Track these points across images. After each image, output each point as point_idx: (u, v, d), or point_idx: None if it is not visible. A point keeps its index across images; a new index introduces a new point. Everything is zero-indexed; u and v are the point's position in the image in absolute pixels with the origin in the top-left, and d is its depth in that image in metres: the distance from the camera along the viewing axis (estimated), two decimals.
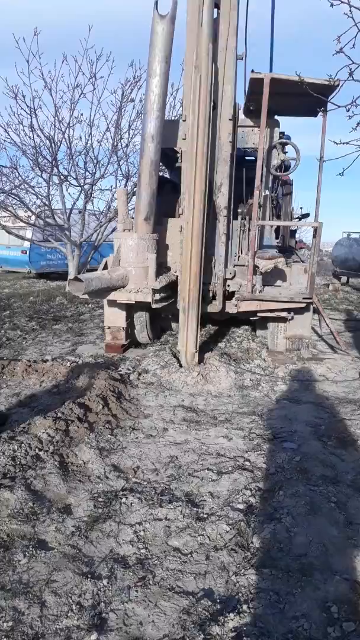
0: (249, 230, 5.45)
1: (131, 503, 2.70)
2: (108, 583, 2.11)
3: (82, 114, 10.43)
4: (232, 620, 1.90)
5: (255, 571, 2.17)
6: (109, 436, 3.53)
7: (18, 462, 2.99)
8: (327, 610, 1.97)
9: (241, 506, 2.67)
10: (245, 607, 1.97)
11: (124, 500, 2.73)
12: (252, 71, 4.76)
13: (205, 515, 2.60)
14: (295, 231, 8.65)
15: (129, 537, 2.43)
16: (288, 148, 5.79)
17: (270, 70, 6.19)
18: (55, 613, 1.94)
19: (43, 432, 3.31)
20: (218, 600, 2.02)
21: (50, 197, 11.17)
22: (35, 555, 2.25)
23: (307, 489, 2.81)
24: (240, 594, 2.05)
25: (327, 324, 6.20)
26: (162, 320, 6.81)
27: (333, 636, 1.84)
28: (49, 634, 1.84)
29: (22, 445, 3.14)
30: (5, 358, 5.34)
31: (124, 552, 2.33)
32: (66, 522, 2.52)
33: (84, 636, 1.83)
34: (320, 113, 5.28)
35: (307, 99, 4.54)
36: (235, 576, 2.16)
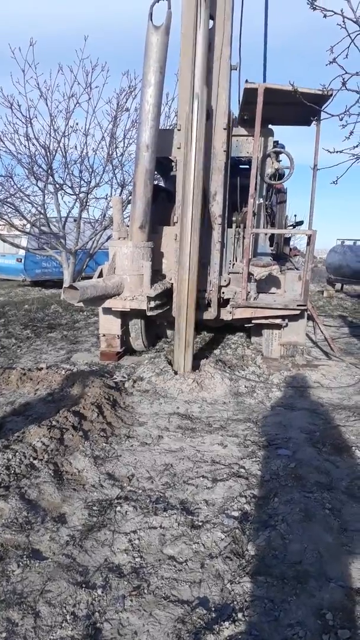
0: (244, 238, 5.48)
1: (126, 511, 2.69)
2: (103, 592, 2.10)
3: (77, 123, 10.51)
4: (227, 628, 1.89)
5: (250, 579, 2.17)
6: (104, 444, 3.53)
7: (12, 471, 2.98)
8: (322, 617, 1.97)
9: (236, 513, 2.67)
10: (240, 615, 1.96)
11: (118, 508, 2.72)
12: (247, 81, 4.81)
13: (200, 523, 2.59)
14: (289, 239, 8.71)
15: (124, 546, 2.42)
16: (282, 157, 5.84)
17: (264, 80, 6.25)
18: (50, 623, 1.93)
19: (37, 441, 3.30)
20: (213, 609, 2.02)
21: (46, 206, 11.21)
22: (30, 565, 2.24)
23: (302, 496, 2.81)
24: (235, 602, 2.05)
25: (321, 331, 6.23)
26: (157, 327, 6.82)
27: None
28: None
29: (17, 454, 3.12)
30: (0, 366, 5.33)
31: (119, 561, 2.32)
32: (61, 531, 2.51)
33: None
34: (314, 122, 5.34)
35: (300, 108, 4.59)
36: (230, 584, 2.15)
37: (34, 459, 3.14)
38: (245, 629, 1.89)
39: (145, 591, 2.11)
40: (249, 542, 2.43)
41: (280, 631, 1.89)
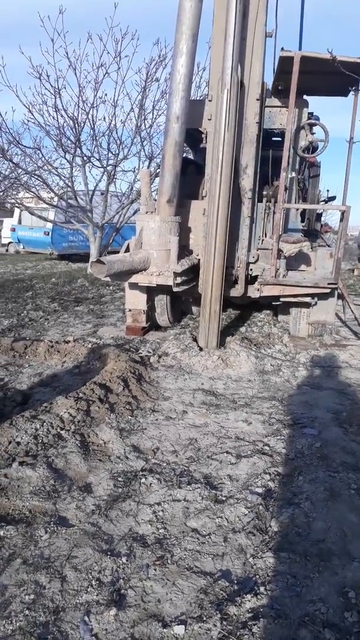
0: (274, 213, 5.36)
1: (150, 483, 2.73)
2: (127, 561, 2.14)
3: (106, 94, 10.38)
4: (249, 601, 1.91)
5: (273, 554, 2.18)
6: (129, 417, 3.57)
7: (40, 441, 3.05)
8: (344, 595, 1.97)
9: (260, 490, 2.68)
10: (262, 589, 1.98)
11: (143, 480, 2.76)
12: (282, 49, 4.62)
13: (224, 498, 2.61)
14: (321, 214, 8.48)
15: (148, 517, 2.46)
16: (316, 129, 5.63)
17: (300, 48, 6.00)
18: (76, 588, 1.98)
19: (65, 412, 3.36)
20: (235, 582, 2.04)
21: (73, 179, 11.18)
22: (57, 532, 2.30)
23: (327, 475, 2.79)
24: (257, 576, 2.06)
25: (351, 310, 6.10)
26: (182, 303, 6.80)
27: (350, 621, 1.84)
28: (69, 607, 1.88)
29: (44, 424, 3.19)
30: (28, 338, 5.42)
31: (143, 531, 2.36)
32: (86, 501, 2.57)
33: (103, 611, 1.86)
34: (352, 92, 5.11)
35: (338, 78, 4.40)
36: (253, 558, 2.17)
37: (61, 429, 3.20)
38: (266, 603, 1.91)
39: (169, 561, 2.15)
40: (272, 519, 2.44)
41: (302, 606, 1.90)
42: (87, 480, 2.77)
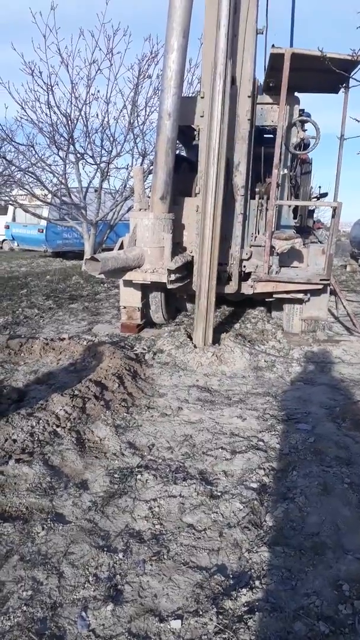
0: (267, 210, 5.37)
1: (146, 480, 2.75)
2: (124, 556, 2.17)
3: (98, 91, 10.35)
4: (245, 595, 1.94)
5: (267, 549, 2.21)
6: (125, 414, 3.58)
7: (36, 438, 3.06)
8: (338, 588, 2.00)
9: (255, 485, 2.70)
10: (257, 583, 2.01)
11: (139, 476, 2.78)
12: (273, 46, 4.63)
13: (219, 493, 2.64)
14: (313, 211, 8.51)
15: (144, 513, 2.48)
16: (308, 126, 5.65)
17: (291, 46, 6.00)
18: (73, 584, 2.00)
19: (60, 409, 3.37)
20: (231, 576, 2.07)
21: (67, 176, 11.15)
22: (53, 528, 2.31)
23: (321, 470, 2.82)
24: (252, 571, 2.09)
25: (344, 306, 6.14)
26: (177, 300, 6.81)
27: (344, 613, 1.87)
28: (66, 603, 1.90)
29: (40, 421, 3.20)
30: (23, 336, 5.42)
31: (139, 527, 2.38)
32: (83, 497, 2.58)
33: (101, 606, 1.89)
34: (342, 89, 5.14)
35: (328, 75, 4.42)
36: (248, 553, 2.20)
37: (57, 426, 3.21)
38: (262, 596, 1.94)
39: (165, 557, 2.17)
40: (267, 513, 2.47)
41: (296, 599, 1.93)
42: (83, 477, 2.78)
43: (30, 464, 2.76)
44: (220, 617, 1.84)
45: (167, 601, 1.93)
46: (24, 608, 1.86)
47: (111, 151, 11.07)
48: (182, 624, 1.81)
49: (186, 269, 5.35)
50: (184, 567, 2.11)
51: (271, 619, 1.83)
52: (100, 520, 2.41)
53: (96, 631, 1.79)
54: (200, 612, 1.86)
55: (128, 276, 5.04)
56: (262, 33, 4.99)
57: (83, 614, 1.86)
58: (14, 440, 3.00)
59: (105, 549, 2.20)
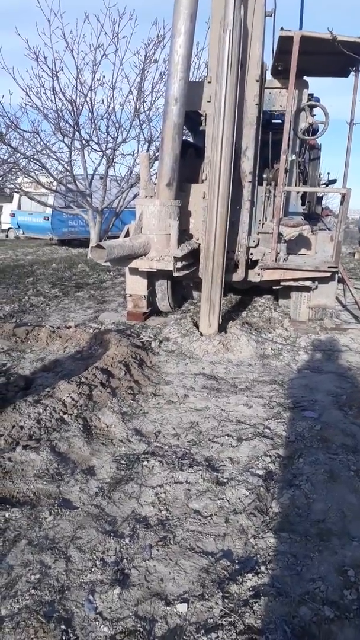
0: (274, 196, 5.32)
1: (152, 466, 2.77)
2: (130, 541, 2.18)
3: (104, 76, 10.21)
4: (250, 580, 1.95)
5: (273, 535, 2.22)
6: (131, 401, 3.60)
7: (43, 425, 3.08)
8: (344, 573, 2.01)
9: (260, 472, 2.71)
10: (263, 568, 2.02)
11: (145, 463, 2.79)
12: (282, 29, 4.54)
13: (225, 480, 2.65)
14: (321, 198, 8.42)
15: (151, 499, 2.49)
16: (316, 111, 5.57)
17: (300, 28, 5.89)
18: (80, 568, 2.02)
19: (67, 396, 3.39)
20: (237, 561, 2.08)
21: (72, 163, 11.07)
22: (61, 514, 2.34)
23: (327, 457, 2.82)
24: (258, 556, 2.10)
25: (352, 294, 6.10)
26: (183, 288, 6.79)
27: (349, 599, 1.88)
28: (74, 587, 1.93)
29: (47, 408, 3.22)
30: (29, 324, 5.44)
31: (146, 512, 2.40)
32: (90, 483, 2.60)
33: (108, 590, 1.91)
34: (353, 73, 5.04)
35: (338, 58, 4.34)
36: (254, 539, 2.21)
37: (64, 413, 3.23)
38: (267, 581, 1.95)
39: (171, 542, 2.19)
40: (273, 500, 2.48)
41: (302, 585, 1.95)
42: (90, 464, 2.80)
43: (37, 451, 2.78)
44: (226, 601, 1.86)
45: (173, 585, 1.95)
46: (32, 591, 1.88)
47: (117, 137, 10.98)
48: (188, 607, 1.83)
49: (193, 257, 5.32)
50: (190, 552, 2.13)
51: (276, 603, 1.84)
52: (107, 506, 2.43)
53: (103, 614, 1.81)
54: (206, 596, 1.88)
55: (134, 264, 5.02)
56: (271, 15, 4.90)
57: (90, 597, 1.88)
58: (21, 427, 3.02)
59: (112, 534, 2.22)
